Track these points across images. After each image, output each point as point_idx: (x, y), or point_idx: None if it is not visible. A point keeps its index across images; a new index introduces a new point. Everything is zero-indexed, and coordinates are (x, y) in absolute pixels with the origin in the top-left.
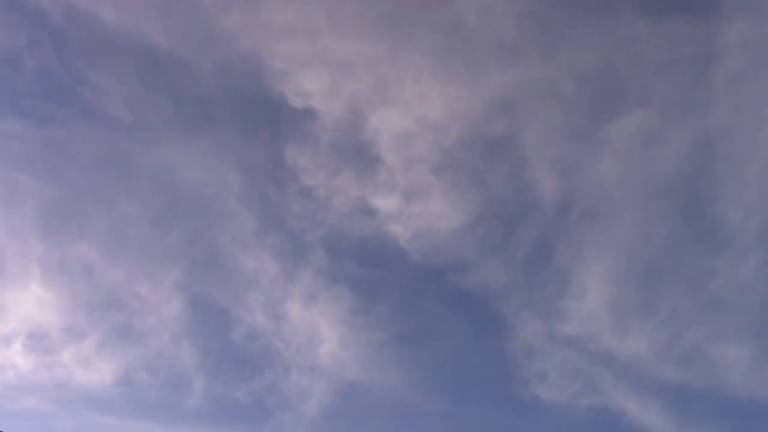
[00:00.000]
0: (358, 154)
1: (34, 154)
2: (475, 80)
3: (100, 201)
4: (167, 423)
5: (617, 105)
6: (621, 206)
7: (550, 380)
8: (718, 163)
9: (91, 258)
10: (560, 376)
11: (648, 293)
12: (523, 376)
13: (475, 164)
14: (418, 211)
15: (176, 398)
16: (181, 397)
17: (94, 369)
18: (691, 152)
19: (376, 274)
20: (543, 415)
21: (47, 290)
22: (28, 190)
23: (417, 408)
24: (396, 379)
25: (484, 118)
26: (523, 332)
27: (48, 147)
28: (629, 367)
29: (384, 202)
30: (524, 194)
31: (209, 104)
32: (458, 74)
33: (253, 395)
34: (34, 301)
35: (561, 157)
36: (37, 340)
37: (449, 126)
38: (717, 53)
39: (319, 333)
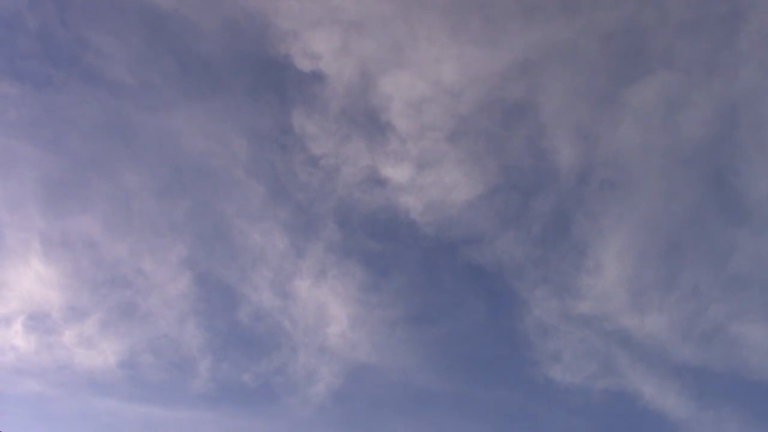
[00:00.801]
0: (368, 120)
1: (33, 120)
2: (493, 41)
3: (103, 171)
4: (172, 407)
5: (640, 66)
6: (641, 176)
7: (564, 361)
8: (743, 130)
9: (94, 233)
10: (575, 357)
11: (667, 269)
12: (536, 357)
13: (491, 132)
14: (430, 182)
15: (181, 381)
16: (186, 379)
17: (97, 350)
18: (715, 118)
19: (386, 248)
20: (556, 397)
21: (48, 267)
22: (28, 159)
23: (427, 390)
24: (406, 360)
25: (501, 82)
26: (537, 310)
27: (48, 112)
28: (647, 348)
29: (395, 172)
30: (542, 163)
31: (214, 66)
32: (475, 35)
33: (261, 378)
34: (34, 279)
35: (581, 123)
36: (37, 321)
37: (465, 91)
38: (745, 12)
39: (329, 312)
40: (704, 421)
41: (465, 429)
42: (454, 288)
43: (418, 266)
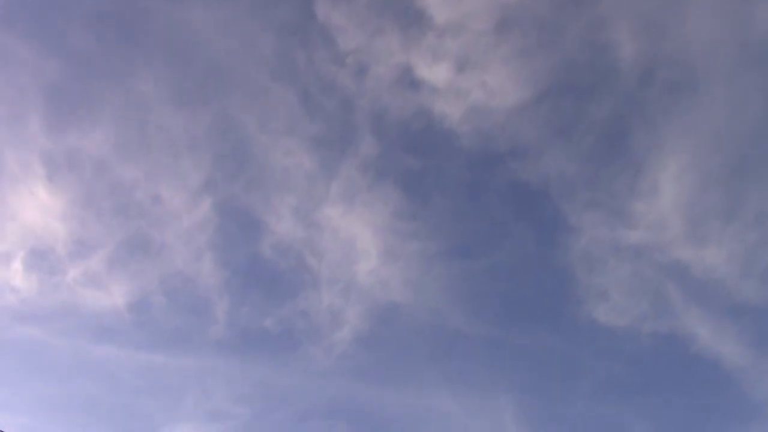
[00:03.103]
0: (401, 8)
1: (27, 10)
2: None
3: (113, 76)
4: (185, 355)
5: None
6: (709, 77)
7: (611, 300)
8: None
9: (104, 152)
10: (623, 295)
11: (731, 192)
12: (580, 294)
13: (543, 22)
14: (471, 84)
15: (197, 326)
16: (202, 325)
17: (105, 291)
18: None
19: (420, 164)
20: (600, 342)
21: (53, 194)
22: (25, 60)
23: (460, 334)
24: (439, 299)
25: None
26: (585, 239)
27: (45, 1)
28: (703, 284)
29: (431, 73)
30: (600, 60)
31: None
32: None
33: (281, 323)
34: (37, 208)
35: (645, 11)
36: (40, 257)
37: None
38: None
39: (358, 244)
40: (764, 369)
41: (500, 377)
42: (495, 212)
43: (455, 186)
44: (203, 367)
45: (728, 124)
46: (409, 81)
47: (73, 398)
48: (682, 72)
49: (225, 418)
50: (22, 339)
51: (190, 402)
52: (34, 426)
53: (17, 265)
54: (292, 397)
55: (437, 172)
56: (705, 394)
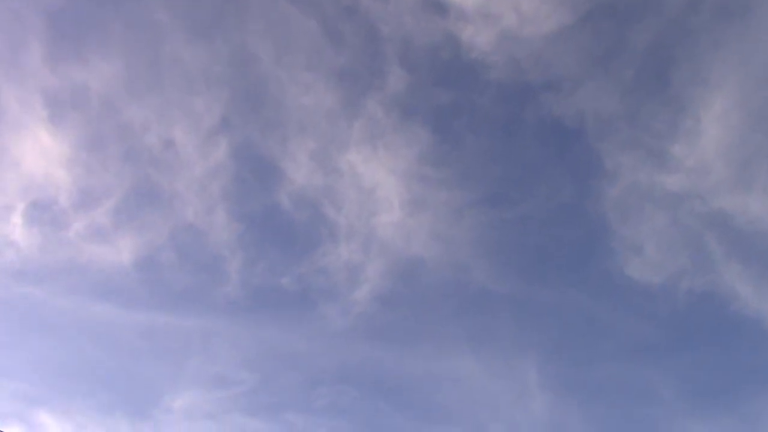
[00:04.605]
0: None
1: None
2: None
3: (121, 4)
4: (194, 315)
5: None
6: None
7: (646, 254)
8: None
9: (111, 90)
10: (659, 249)
11: None
12: (613, 247)
13: None
14: (503, 8)
15: (207, 285)
16: (213, 283)
17: (110, 246)
18: None
19: (446, 99)
20: (634, 299)
21: (55, 138)
22: None
23: (486, 291)
24: (465, 254)
25: None
26: (620, 184)
27: None
28: (748, 236)
29: None
30: None
31: None
32: None
33: (297, 281)
34: (38, 154)
35: None
36: (41, 209)
37: None
38: None
39: (381, 193)
40: None
41: (525, 337)
42: (526, 153)
43: (484, 124)
44: (211, 329)
45: None
46: (435, 3)
47: (72, 362)
48: None
49: (230, 383)
50: (22, 299)
51: (195, 366)
52: (31, 392)
53: (17, 218)
54: (304, 362)
55: (466, 110)
56: (745, 356)
